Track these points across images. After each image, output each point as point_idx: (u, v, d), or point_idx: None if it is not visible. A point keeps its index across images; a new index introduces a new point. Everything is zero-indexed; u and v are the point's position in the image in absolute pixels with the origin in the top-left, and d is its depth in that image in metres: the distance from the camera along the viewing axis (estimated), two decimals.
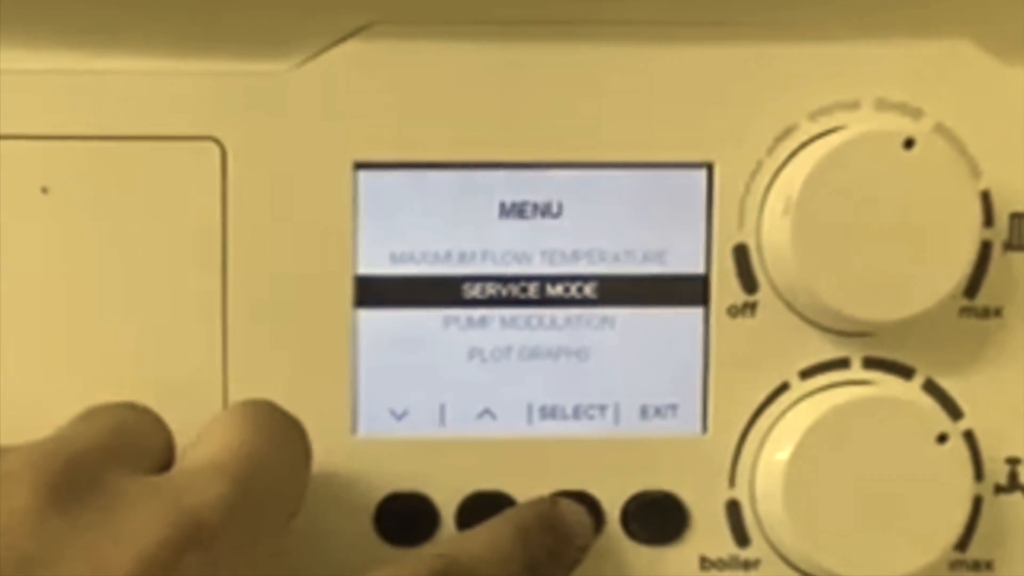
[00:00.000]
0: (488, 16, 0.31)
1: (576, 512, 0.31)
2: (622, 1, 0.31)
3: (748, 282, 0.31)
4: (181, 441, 0.29)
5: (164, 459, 0.28)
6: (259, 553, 0.24)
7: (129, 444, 0.26)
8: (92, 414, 0.28)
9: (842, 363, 0.32)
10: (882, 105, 0.31)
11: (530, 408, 0.32)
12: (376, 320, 0.31)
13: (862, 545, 0.31)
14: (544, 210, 0.31)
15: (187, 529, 0.23)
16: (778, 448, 0.31)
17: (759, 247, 0.31)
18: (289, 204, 0.31)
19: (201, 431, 0.28)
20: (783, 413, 0.32)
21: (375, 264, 0.31)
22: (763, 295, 0.31)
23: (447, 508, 0.32)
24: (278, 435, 0.27)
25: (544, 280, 0.31)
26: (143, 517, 0.23)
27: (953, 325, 0.32)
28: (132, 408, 0.28)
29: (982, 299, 0.32)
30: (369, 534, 0.31)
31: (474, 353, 0.32)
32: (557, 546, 0.30)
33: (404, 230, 0.31)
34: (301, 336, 0.31)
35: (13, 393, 0.30)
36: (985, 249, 0.31)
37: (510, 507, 0.31)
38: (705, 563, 0.32)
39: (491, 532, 0.29)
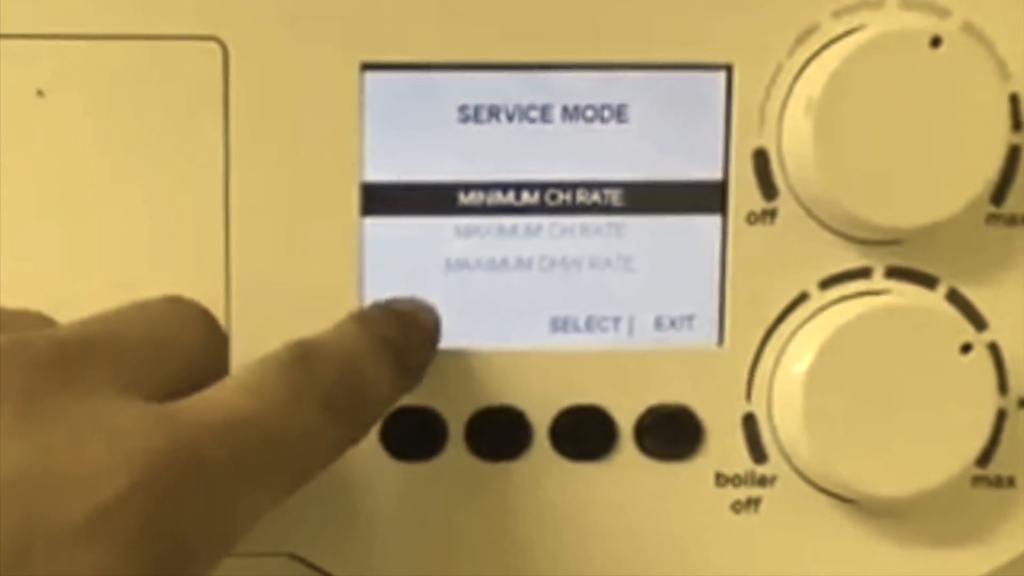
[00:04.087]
0: None
1: (414, 300, 0.31)
2: None
3: (767, 188, 0.30)
4: None
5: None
6: (118, 377, 0.24)
7: None
8: None
9: (863, 272, 0.31)
10: (907, 3, 0.30)
11: (542, 320, 0.31)
12: (384, 228, 0.30)
13: (882, 460, 0.30)
14: (557, 114, 0.30)
15: (10, 344, 0.24)
16: (796, 360, 0.30)
17: (779, 151, 0.30)
18: (293, 107, 0.30)
19: None
20: (802, 324, 0.31)
21: (383, 170, 0.30)
22: (783, 202, 0.30)
23: (456, 423, 0.31)
24: (155, 307, 0.28)
25: (556, 187, 0.30)
26: None
27: (979, 233, 0.31)
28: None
29: (1009, 206, 0.31)
30: (376, 449, 0.31)
31: (485, 263, 0.31)
32: (403, 322, 0.30)
33: (413, 135, 0.30)
34: (306, 245, 0.30)
35: (9, 301, 0.29)
36: (1013, 154, 0.30)
37: (520, 419, 0.31)
38: (720, 479, 0.31)
39: (335, 325, 0.29)
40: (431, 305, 0.30)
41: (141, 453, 0.22)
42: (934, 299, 0.31)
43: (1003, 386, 0.31)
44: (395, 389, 0.29)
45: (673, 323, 0.31)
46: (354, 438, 0.27)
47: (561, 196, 0.31)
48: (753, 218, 0.31)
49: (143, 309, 0.27)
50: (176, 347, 0.27)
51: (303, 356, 0.26)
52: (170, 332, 0.27)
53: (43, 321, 0.28)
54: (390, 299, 0.30)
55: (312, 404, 0.26)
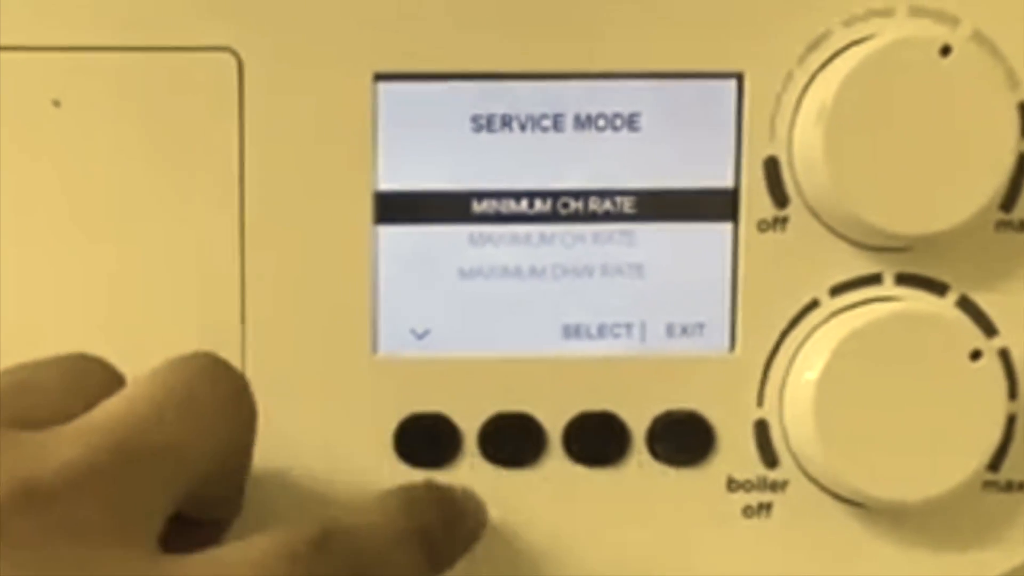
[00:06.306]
0: None
1: (468, 494, 0.31)
2: None
3: (779, 196, 0.31)
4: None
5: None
6: (125, 518, 0.23)
7: (26, 398, 0.25)
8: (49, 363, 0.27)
9: (874, 279, 0.31)
10: (917, 11, 0.30)
11: (555, 327, 0.31)
12: (397, 237, 0.31)
13: (893, 465, 0.30)
14: (569, 123, 0.30)
15: (16, 493, 0.22)
16: (807, 367, 0.30)
17: (790, 159, 0.30)
18: (307, 117, 0.30)
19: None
20: (813, 331, 0.31)
21: (396, 179, 0.30)
22: (794, 209, 0.31)
23: (469, 429, 0.31)
24: (186, 399, 0.26)
25: (569, 195, 0.31)
26: None
27: (989, 239, 0.31)
28: (80, 359, 0.27)
29: (1019, 212, 0.31)
30: (390, 456, 0.31)
31: (497, 271, 0.31)
32: (449, 517, 0.29)
33: (426, 144, 0.30)
34: (320, 253, 0.30)
35: (22, 310, 0.30)
36: (1022, 161, 0.30)
37: (533, 426, 0.31)
38: (732, 484, 0.31)
39: (378, 500, 0.29)
40: (482, 503, 0.31)
41: None
42: (944, 305, 0.31)
43: (1013, 392, 0.31)
44: None
45: (685, 330, 0.31)
46: None
47: (573, 204, 0.31)
48: (764, 226, 0.31)
49: (161, 407, 0.25)
50: (196, 451, 0.25)
51: (321, 544, 0.25)
52: (192, 435, 0.25)
53: (96, 372, 0.27)
54: (446, 486, 0.30)
55: None
